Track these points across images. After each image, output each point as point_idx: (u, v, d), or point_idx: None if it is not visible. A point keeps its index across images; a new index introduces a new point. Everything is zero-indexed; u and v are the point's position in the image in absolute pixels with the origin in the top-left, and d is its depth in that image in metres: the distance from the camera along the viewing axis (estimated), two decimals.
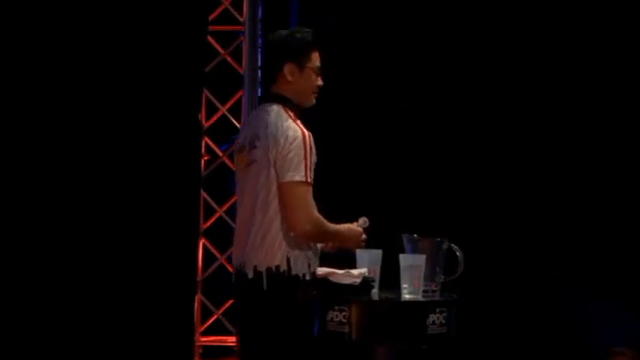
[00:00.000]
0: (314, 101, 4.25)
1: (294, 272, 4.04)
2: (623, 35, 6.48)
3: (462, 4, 6.61)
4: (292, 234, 4.04)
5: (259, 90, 6.69)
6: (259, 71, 6.73)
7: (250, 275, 4.07)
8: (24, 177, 6.40)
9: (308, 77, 4.20)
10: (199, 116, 6.74)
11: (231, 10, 6.74)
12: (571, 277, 6.49)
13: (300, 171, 4.02)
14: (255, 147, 4.12)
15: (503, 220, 6.54)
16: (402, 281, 4.04)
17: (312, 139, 4.08)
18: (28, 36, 6.42)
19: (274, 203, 4.05)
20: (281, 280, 4.03)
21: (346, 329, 3.96)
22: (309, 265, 4.08)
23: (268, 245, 4.06)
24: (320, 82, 4.24)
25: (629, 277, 6.39)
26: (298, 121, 4.11)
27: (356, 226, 4.20)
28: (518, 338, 6.51)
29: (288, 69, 4.16)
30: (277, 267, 4.04)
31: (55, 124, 6.44)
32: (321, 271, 4.12)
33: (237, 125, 6.69)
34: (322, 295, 4.07)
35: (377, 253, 4.17)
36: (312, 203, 4.05)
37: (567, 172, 6.54)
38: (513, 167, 6.58)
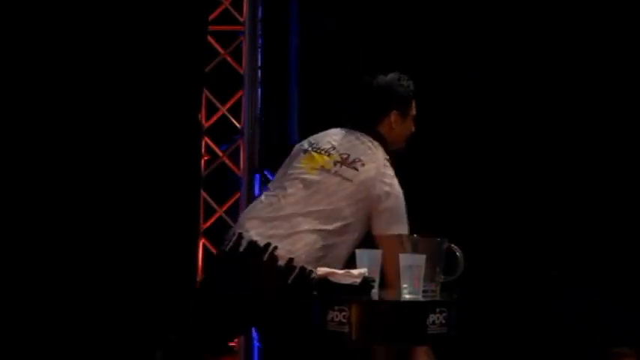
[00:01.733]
0: (404, 145, 4.49)
1: (314, 277, 4.12)
2: (623, 35, 6.48)
3: (461, 4, 6.61)
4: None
5: (259, 90, 6.69)
6: (259, 71, 6.74)
7: (281, 262, 4.14)
8: (25, 177, 6.41)
9: (408, 125, 4.45)
10: (199, 116, 6.74)
11: (231, 10, 6.74)
12: (571, 277, 6.49)
13: (404, 226, 4.26)
14: (355, 169, 4.26)
15: (504, 220, 6.54)
16: (402, 281, 4.03)
17: None
18: (28, 36, 6.42)
19: (346, 229, 4.21)
20: (309, 282, 4.12)
21: (346, 329, 3.95)
22: None
23: (313, 253, 4.18)
24: (414, 129, 4.46)
25: (630, 277, 6.40)
26: None
27: None
28: (519, 338, 6.51)
29: (393, 117, 4.37)
30: (311, 271, 4.14)
31: (54, 124, 6.44)
32: (321, 271, 4.12)
33: (238, 125, 6.69)
34: (322, 295, 4.07)
35: (377, 253, 4.16)
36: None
37: (567, 172, 6.55)
38: (513, 167, 6.58)
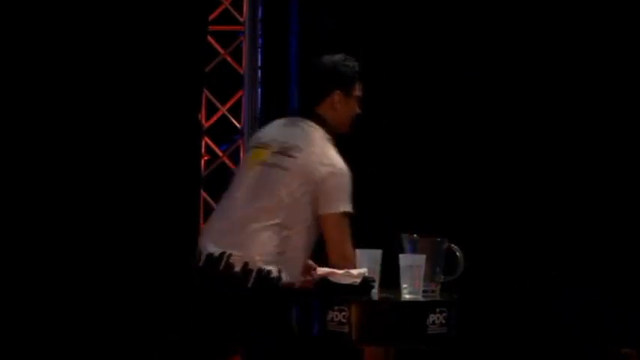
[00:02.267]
0: (350, 129, 4.37)
1: (281, 282, 4.08)
2: (623, 35, 6.48)
3: (462, 4, 6.61)
4: (334, 265, 4.10)
5: (259, 90, 6.69)
6: (259, 71, 6.74)
7: (237, 268, 4.06)
8: (26, 177, 6.41)
9: (352, 106, 4.32)
10: (199, 116, 6.74)
11: (231, 10, 6.74)
12: (571, 277, 6.49)
13: (347, 203, 4.14)
14: (291, 156, 4.17)
15: (504, 219, 6.54)
16: (401, 281, 4.03)
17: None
18: (28, 36, 6.42)
19: (293, 217, 4.11)
20: (269, 284, 4.05)
21: (346, 329, 3.95)
22: (291, 285, 4.12)
23: (270, 251, 4.09)
24: (358, 111, 4.35)
25: (630, 277, 6.40)
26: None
27: None
28: (519, 338, 6.51)
29: (336, 97, 4.26)
30: (269, 272, 4.06)
31: (54, 123, 6.44)
32: (321, 271, 4.12)
33: (238, 125, 6.69)
34: (322, 294, 4.07)
35: (377, 253, 4.16)
36: (350, 238, 4.17)
37: (567, 172, 6.54)
38: (513, 167, 6.58)
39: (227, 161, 6.69)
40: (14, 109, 6.42)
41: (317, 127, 4.25)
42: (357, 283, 4.04)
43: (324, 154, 4.17)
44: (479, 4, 6.58)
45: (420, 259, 4.04)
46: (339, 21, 6.58)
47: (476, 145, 6.60)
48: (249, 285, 4.05)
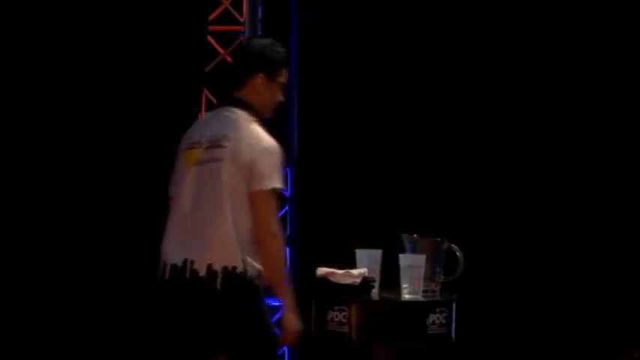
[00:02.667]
0: (271, 114, 4.29)
1: (249, 274, 4.01)
2: (623, 35, 6.48)
3: (462, 4, 6.61)
4: (260, 241, 4.04)
5: None
6: None
7: (202, 273, 4.02)
8: (26, 176, 6.42)
9: (274, 91, 4.24)
10: (199, 116, 6.74)
11: (231, 10, 6.73)
12: (571, 277, 6.49)
13: (275, 180, 4.05)
14: (220, 146, 4.12)
15: (503, 219, 6.54)
16: (402, 281, 4.04)
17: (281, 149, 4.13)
18: (29, 36, 6.42)
19: (238, 206, 4.05)
20: (237, 280, 4.01)
21: (346, 329, 3.95)
22: (259, 271, 4.05)
23: (228, 246, 4.03)
24: (282, 98, 4.28)
25: (630, 276, 6.40)
26: (265, 129, 4.16)
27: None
28: (519, 338, 6.51)
29: (259, 79, 4.20)
30: (234, 268, 4.01)
31: (55, 123, 6.45)
32: (321, 271, 4.12)
33: None
34: (322, 294, 4.07)
35: (377, 253, 4.16)
36: (277, 214, 4.10)
37: (567, 172, 6.55)
38: (513, 167, 6.58)
39: None
40: (15, 110, 6.42)
41: (241, 111, 4.17)
42: (357, 283, 4.04)
43: (251, 136, 4.09)
44: (479, 4, 6.58)
45: (420, 259, 4.04)
46: (339, 21, 6.59)
47: (476, 145, 6.61)
48: (218, 287, 4.00)
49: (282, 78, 4.26)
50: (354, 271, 4.07)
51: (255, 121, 4.16)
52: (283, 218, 6.58)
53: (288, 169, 6.60)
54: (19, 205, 6.44)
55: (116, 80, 6.50)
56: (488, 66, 6.57)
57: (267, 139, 4.10)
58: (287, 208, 6.59)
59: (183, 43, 6.59)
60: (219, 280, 4.00)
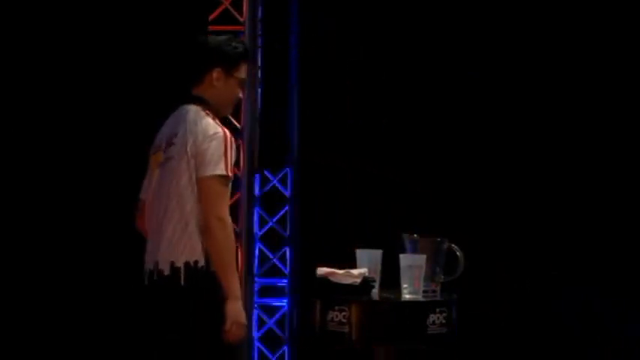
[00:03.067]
0: (230, 111, 4.30)
1: (211, 269, 3.99)
2: (623, 35, 6.48)
3: (462, 4, 6.61)
4: (204, 230, 4.00)
5: (259, 90, 6.68)
6: (259, 71, 6.73)
7: (167, 272, 4.03)
8: (29, 177, 6.43)
9: (232, 86, 4.22)
10: None
11: (231, 10, 6.73)
12: (571, 277, 6.49)
13: (220, 166, 4.00)
14: (172, 144, 4.13)
15: (504, 219, 6.54)
16: (402, 281, 4.04)
17: (232, 137, 4.08)
18: (29, 36, 6.43)
19: (192, 198, 4.03)
20: (199, 275, 4.00)
21: (346, 329, 3.95)
22: None
23: (187, 239, 4.03)
24: (240, 95, 4.29)
25: (630, 276, 6.40)
26: (217, 120, 4.12)
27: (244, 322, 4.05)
28: (519, 338, 6.51)
29: (215, 74, 4.18)
30: (196, 262, 4.00)
31: (57, 123, 6.46)
32: (321, 271, 4.12)
33: (238, 125, 6.68)
34: (322, 295, 4.07)
35: (377, 253, 4.16)
36: (227, 203, 4.02)
37: (567, 172, 6.54)
38: (513, 167, 6.58)
39: None
40: (18, 110, 6.44)
41: (195, 107, 4.17)
42: (357, 283, 4.04)
43: (197, 127, 4.07)
44: (479, 4, 6.58)
45: (421, 259, 4.04)
46: (339, 21, 6.58)
47: (476, 145, 6.61)
48: (182, 283, 4.00)
49: (241, 73, 4.22)
50: (355, 271, 4.07)
51: (209, 114, 4.13)
52: (283, 218, 6.58)
53: (288, 169, 6.60)
54: (16, 204, 6.45)
55: (116, 80, 6.50)
56: (488, 66, 6.57)
57: (212, 126, 4.07)
58: (287, 208, 6.59)
59: (183, 42, 6.58)
60: (182, 277, 4.01)
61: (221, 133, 4.05)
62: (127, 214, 6.46)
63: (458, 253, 4.18)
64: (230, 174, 4.02)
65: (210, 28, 6.72)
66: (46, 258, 6.43)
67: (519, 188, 6.58)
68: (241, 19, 6.72)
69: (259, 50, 6.74)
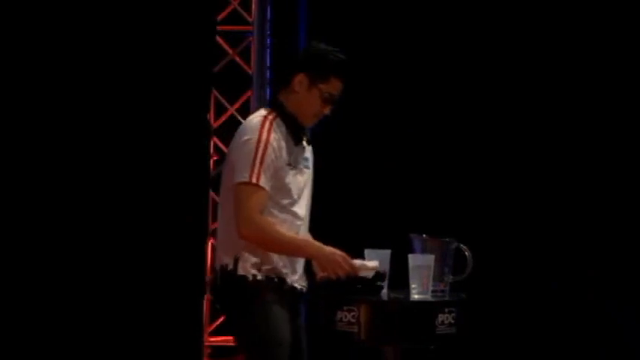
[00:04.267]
0: (311, 124, 4.16)
1: (239, 272, 4.01)
2: (623, 35, 6.47)
3: (463, 4, 6.62)
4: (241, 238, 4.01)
5: (268, 90, 6.70)
6: (268, 71, 6.74)
7: (214, 273, 4.16)
8: (35, 179, 6.44)
9: (314, 97, 4.07)
10: (208, 116, 6.75)
11: (240, 10, 6.74)
12: (579, 278, 6.50)
13: (245, 172, 3.94)
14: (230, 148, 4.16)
15: (512, 219, 6.53)
16: (410, 281, 4.03)
17: (269, 142, 3.97)
18: (38, 37, 6.44)
19: (228, 205, 4.04)
20: (228, 278, 4.04)
21: (355, 329, 3.96)
22: (260, 270, 4.02)
23: (222, 244, 4.12)
24: (326, 111, 4.13)
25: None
26: (273, 126, 4.01)
27: (340, 252, 4.03)
28: (527, 338, 6.51)
29: (299, 78, 4.07)
30: (226, 265, 4.04)
31: (62, 124, 6.47)
32: None
33: None
34: (330, 293, 4.07)
35: (386, 254, 4.16)
36: (256, 207, 3.96)
37: (575, 174, 6.54)
38: (523, 168, 6.58)
39: None
40: (22, 111, 6.46)
41: (263, 110, 4.10)
42: (369, 277, 4.02)
43: (240, 132, 4.04)
44: (479, 4, 6.58)
45: (429, 259, 4.04)
46: (348, 21, 6.58)
47: (485, 146, 6.61)
48: (218, 284, 4.08)
49: (328, 87, 4.07)
50: (370, 263, 4.04)
51: (267, 118, 4.02)
52: None
53: None
54: (30, 207, 6.47)
55: (125, 80, 6.51)
56: (498, 67, 6.57)
57: (250, 131, 4.00)
58: None
59: (192, 43, 6.60)
60: (218, 279, 4.08)
61: (255, 139, 3.96)
62: (132, 213, 6.53)
63: (466, 253, 4.18)
64: (255, 181, 3.94)
65: (219, 28, 6.74)
66: (46, 258, 6.44)
67: (529, 189, 6.57)
68: (250, 20, 6.73)
69: (268, 50, 6.75)
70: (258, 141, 3.97)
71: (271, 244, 4.01)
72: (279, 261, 4.06)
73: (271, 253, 4.03)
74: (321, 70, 4.07)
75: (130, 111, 6.52)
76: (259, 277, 4.02)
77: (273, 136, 4.00)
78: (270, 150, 3.98)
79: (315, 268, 4.11)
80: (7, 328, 6.35)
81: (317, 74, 4.07)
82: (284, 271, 4.06)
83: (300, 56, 4.16)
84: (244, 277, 4.01)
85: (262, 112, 4.11)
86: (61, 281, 6.41)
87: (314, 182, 4.30)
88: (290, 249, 4.05)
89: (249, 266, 4.02)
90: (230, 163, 4.05)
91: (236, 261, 4.02)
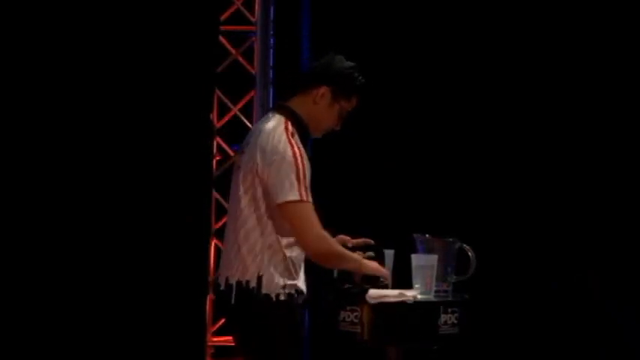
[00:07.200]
0: (318, 136, 4.11)
1: (264, 291, 3.87)
2: (623, 35, 6.47)
3: (464, 4, 6.62)
4: (310, 257, 3.94)
5: (271, 90, 6.70)
6: (271, 71, 6.74)
7: (222, 287, 3.95)
8: (38, 178, 6.45)
9: (333, 112, 4.05)
10: (211, 116, 6.75)
11: (243, 10, 6.75)
12: (583, 278, 6.49)
13: (294, 190, 3.83)
14: (243, 152, 4.00)
15: (515, 220, 6.53)
16: (414, 281, 4.04)
17: (303, 156, 3.89)
18: (41, 37, 6.45)
19: (253, 215, 3.91)
20: (249, 297, 3.88)
21: (358, 329, 3.96)
22: (284, 287, 3.89)
23: (242, 258, 3.90)
24: (337, 127, 4.12)
25: None
26: (294, 139, 3.92)
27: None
28: (530, 338, 6.51)
29: (323, 90, 4.01)
30: (247, 282, 3.88)
31: (66, 124, 6.47)
32: (374, 293, 3.97)
33: (249, 125, 6.69)
34: (333, 296, 4.07)
35: (389, 254, 4.17)
36: (319, 224, 3.90)
37: (578, 176, 6.55)
38: (526, 169, 6.58)
39: None
40: (23, 111, 6.47)
41: (280, 117, 3.97)
42: (411, 302, 3.97)
43: (267, 143, 3.88)
44: (479, 4, 6.59)
45: (432, 259, 4.04)
46: (351, 21, 6.59)
47: (487, 146, 6.61)
48: (232, 301, 3.90)
49: (347, 104, 4.06)
50: (408, 292, 4.01)
51: (288, 129, 3.93)
52: None
53: None
54: (36, 207, 6.47)
55: (128, 81, 6.51)
56: (500, 68, 6.57)
57: (282, 144, 3.87)
58: None
59: (195, 43, 6.60)
60: (233, 295, 3.91)
61: (290, 155, 3.85)
62: (134, 214, 6.53)
63: (470, 253, 4.18)
64: (305, 198, 3.86)
65: (222, 28, 6.74)
66: (49, 258, 6.45)
67: (530, 189, 6.58)
68: (253, 20, 6.73)
69: (271, 50, 6.75)
70: (294, 156, 3.86)
71: (337, 260, 3.97)
72: (299, 276, 3.96)
73: (294, 269, 3.92)
74: (347, 89, 4.06)
75: (134, 111, 6.53)
76: (282, 298, 3.88)
77: (301, 148, 3.93)
78: (306, 163, 3.90)
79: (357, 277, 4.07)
80: (9, 328, 6.35)
81: (342, 92, 4.05)
82: (299, 285, 3.95)
83: (325, 68, 4.07)
84: (268, 296, 3.87)
85: (279, 121, 3.96)
86: (65, 281, 6.42)
87: (315, 182, 4.26)
88: (356, 266, 4.02)
89: (273, 285, 3.88)
90: (254, 170, 3.89)
91: (259, 279, 3.88)
